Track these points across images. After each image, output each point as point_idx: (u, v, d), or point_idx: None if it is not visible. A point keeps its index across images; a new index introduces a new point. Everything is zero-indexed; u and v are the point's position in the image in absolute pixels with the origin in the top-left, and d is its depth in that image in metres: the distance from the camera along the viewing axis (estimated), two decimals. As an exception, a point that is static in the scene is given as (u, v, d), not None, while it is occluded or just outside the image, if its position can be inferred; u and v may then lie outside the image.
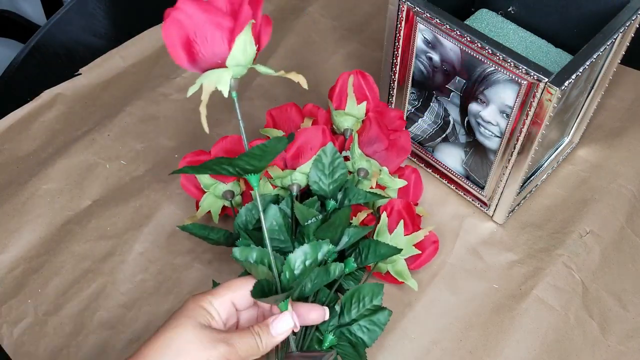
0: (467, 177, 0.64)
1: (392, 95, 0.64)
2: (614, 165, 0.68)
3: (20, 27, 1.20)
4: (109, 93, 0.76)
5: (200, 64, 0.39)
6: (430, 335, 0.57)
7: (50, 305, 0.59)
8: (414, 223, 0.57)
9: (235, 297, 0.43)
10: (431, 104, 0.62)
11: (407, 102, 0.64)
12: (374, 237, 0.56)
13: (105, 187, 0.67)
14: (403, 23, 0.56)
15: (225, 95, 0.39)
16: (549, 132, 0.57)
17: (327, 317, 0.47)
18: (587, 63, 0.50)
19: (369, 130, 0.59)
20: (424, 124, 0.65)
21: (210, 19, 0.37)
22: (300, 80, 0.41)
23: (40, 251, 0.62)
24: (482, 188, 0.63)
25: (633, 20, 0.54)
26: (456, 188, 0.65)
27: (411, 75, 0.61)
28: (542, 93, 0.49)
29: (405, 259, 0.56)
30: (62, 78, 0.76)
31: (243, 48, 0.39)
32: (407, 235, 0.56)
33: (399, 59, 0.60)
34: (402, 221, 0.56)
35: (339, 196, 0.55)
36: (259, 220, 0.53)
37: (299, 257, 0.43)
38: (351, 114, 0.61)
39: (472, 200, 0.64)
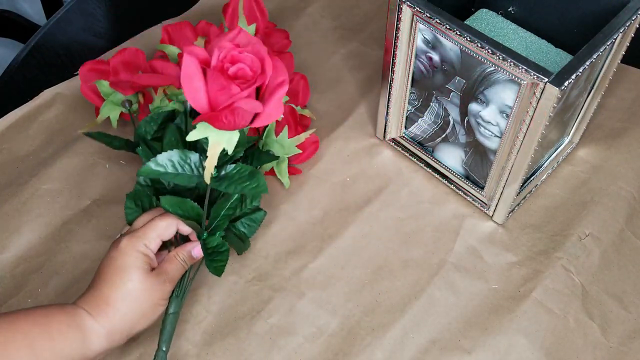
0: (467, 177, 0.64)
1: (392, 95, 0.64)
2: (614, 166, 0.68)
3: (20, 27, 1.20)
4: (109, 93, 0.75)
5: (216, 124, 0.45)
6: (430, 334, 0.57)
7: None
8: (297, 126, 0.65)
9: (163, 237, 0.52)
10: (431, 104, 0.62)
11: (407, 102, 0.64)
12: (263, 138, 0.64)
13: (105, 187, 0.67)
14: (403, 23, 0.56)
15: (229, 152, 0.47)
16: (549, 132, 0.57)
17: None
18: (587, 63, 0.50)
19: None
20: (424, 124, 0.65)
21: (250, 106, 0.44)
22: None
23: (40, 251, 0.62)
24: (482, 188, 0.63)
25: (633, 20, 0.54)
26: (456, 188, 0.65)
27: (411, 75, 0.61)
28: (542, 93, 0.49)
29: (290, 157, 0.66)
30: (62, 78, 0.76)
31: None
32: (290, 137, 0.64)
33: (399, 59, 0.60)
34: (286, 126, 0.64)
35: None
36: (157, 131, 0.61)
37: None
38: None
39: (472, 200, 0.64)
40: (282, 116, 0.46)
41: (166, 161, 0.51)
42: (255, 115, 0.45)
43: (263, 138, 0.64)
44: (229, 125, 0.45)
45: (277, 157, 0.62)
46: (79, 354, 0.48)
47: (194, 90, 0.43)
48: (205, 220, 0.55)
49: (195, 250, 0.55)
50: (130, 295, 0.49)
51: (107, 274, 0.50)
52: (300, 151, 0.65)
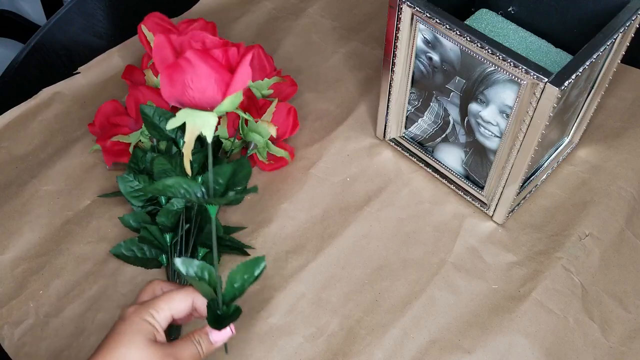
0: (467, 177, 0.64)
1: (392, 95, 0.64)
2: (613, 166, 0.68)
3: (20, 27, 1.20)
4: (107, 92, 0.75)
5: (186, 104, 0.40)
6: (430, 334, 0.57)
7: (51, 307, 0.59)
8: (259, 111, 0.66)
9: (175, 311, 0.45)
10: (431, 104, 0.62)
11: (407, 102, 0.64)
12: (241, 132, 0.65)
13: (104, 188, 0.67)
14: (403, 23, 0.56)
15: (209, 140, 0.40)
16: (549, 132, 0.57)
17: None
18: (587, 63, 0.50)
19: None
20: (424, 124, 0.65)
21: (212, 73, 0.39)
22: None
23: (41, 252, 0.62)
24: (482, 188, 0.63)
25: (633, 20, 0.54)
26: (456, 188, 0.65)
27: (411, 75, 0.61)
28: (542, 93, 0.49)
29: (279, 136, 0.66)
30: (62, 78, 0.76)
31: (233, 100, 0.40)
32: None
33: (399, 59, 0.60)
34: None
35: None
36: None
37: (239, 273, 0.46)
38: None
39: (472, 200, 0.64)
40: (241, 97, 0.41)
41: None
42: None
43: (241, 132, 0.64)
44: (198, 94, 0.40)
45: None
46: None
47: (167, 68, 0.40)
48: (220, 287, 0.47)
49: (214, 335, 0.46)
50: (118, 356, 0.42)
51: (104, 341, 0.44)
52: (276, 126, 0.64)
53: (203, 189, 0.43)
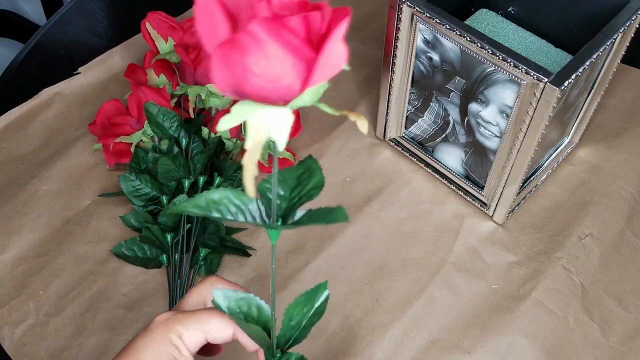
0: (467, 177, 0.64)
1: (392, 95, 0.64)
2: (613, 166, 0.68)
3: (20, 27, 1.20)
4: (107, 92, 0.75)
5: (247, 95, 0.28)
6: (429, 334, 0.57)
7: (51, 307, 0.59)
8: None
9: (209, 336, 0.39)
10: (431, 104, 0.62)
11: (407, 102, 0.64)
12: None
13: (104, 188, 0.67)
14: (403, 23, 0.56)
15: (280, 148, 0.29)
16: (549, 132, 0.57)
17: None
18: (587, 63, 0.50)
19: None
20: (424, 124, 0.65)
21: (289, 54, 0.27)
22: (360, 123, 0.30)
23: (41, 252, 0.62)
24: (482, 188, 0.63)
25: (633, 20, 0.54)
26: (456, 188, 0.65)
27: (411, 75, 0.61)
28: (541, 93, 0.49)
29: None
30: (62, 78, 0.76)
31: (316, 91, 0.29)
32: None
33: (399, 59, 0.60)
34: None
35: None
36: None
37: (297, 306, 0.38)
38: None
39: (472, 200, 0.64)
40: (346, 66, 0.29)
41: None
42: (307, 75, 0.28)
43: (243, 132, 0.65)
44: (268, 82, 0.27)
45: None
46: None
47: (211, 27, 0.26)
48: (275, 330, 0.38)
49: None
50: None
51: (123, 351, 0.39)
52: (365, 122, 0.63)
53: (261, 207, 0.34)
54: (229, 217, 0.31)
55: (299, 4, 0.27)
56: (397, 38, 0.58)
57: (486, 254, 0.62)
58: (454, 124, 0.61)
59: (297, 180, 0.34)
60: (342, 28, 0.28)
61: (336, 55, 0.28)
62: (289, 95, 0.27)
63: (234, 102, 0.27)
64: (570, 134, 0.67)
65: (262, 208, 0.32)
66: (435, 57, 0.57)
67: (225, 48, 0.25)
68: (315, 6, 0.27)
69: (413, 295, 0.59)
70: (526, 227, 0.64)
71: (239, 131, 0.66)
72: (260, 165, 0.67)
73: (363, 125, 0.30)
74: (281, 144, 0.28)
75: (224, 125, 0.27)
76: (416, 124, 0.66)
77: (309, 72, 0.27)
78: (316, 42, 0.28)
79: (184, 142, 0.63)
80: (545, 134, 0.52)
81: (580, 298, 0.59)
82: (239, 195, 0.32)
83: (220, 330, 0.39)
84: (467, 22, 0.66)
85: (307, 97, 0.28)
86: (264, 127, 0.28)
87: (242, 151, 0.67)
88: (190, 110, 0.64)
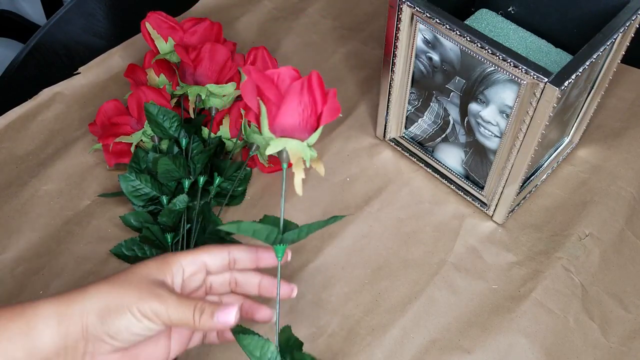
0: (467, 177, 0.64)
1: (392, 95, 0.64)
2: (613, 166, 0.68)
3: (20, 27, 1.20)
4: (107, 92, 0.75)
5: (273, 128, 0.43)
6: (430, 334, 0.57)
7: (50, 306, 0.59)
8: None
9: (209, 260, 0.44)
10: (431, 104, 0.62)
11: (407, 102, 0.64)
12: (244, 133, 0.64)
13: (104, 188, 0.67)
14: (403, 23, 0.56)
15: (307, 162, 0.44)
16: (549, 132, 0.57)
17: (273, 319, 0.46)
18: (587, 63, 0.50)
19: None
20: (424, 124, 0.65)
21: (306, 101, 0.43)
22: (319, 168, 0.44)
23: (41, 252, 0.62)
24: (482, 188, 0.63)
25: (633, 20, 0.54)
26: (456, 188, 0.65)
27: (411, 75, 0.61)
28: (541, 93, 0.49)
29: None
30: (62, 78, 0.76)
31: (319, 132, 0.44)
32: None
33: (398, 59, 0.60)
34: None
35: None
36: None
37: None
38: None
39: (472, 200, 0.64)
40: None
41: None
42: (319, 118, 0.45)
43: (244, 133, 0.65)
44: (282, 125, 0.43)
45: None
46: (22, 350, 0.38)
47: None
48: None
49: (220, 314, 0.41)
50: (111, 278, 0.41)
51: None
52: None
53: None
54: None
55: (292, 77, 0.44)
56: (397, 38, 0.58)
57: (486, 254, 0.62)
58: (454, 124, 0.61)
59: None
60: (334, 92, 0.44)
61: (333, 108, 0.44)
62: (306, 134, 0.44)
63: (233, 104, 0.42)
64: (570, 134, 0.67)
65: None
66: (435, 57, 0.57)
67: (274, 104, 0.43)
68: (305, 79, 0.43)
69: (413, 295, 0.59)
70: (526, 227, 0.64)
71: (239, 131, 0.66)
72: (261, 166, 0.67)
73: (320, 169, 0.45)
74: (307, 164, 0.43)
75: (271, 150, 0.43)
76: (416, 124, 0.66)
77: (318, 120, 0.44)
78: (321, 102, 0.44)
79: (184, 142, 0.63)
80: (545, 134, 0.52)
81: (580, 298, 0.59)
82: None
83: (214, 254, 0.43)
84: (467, 22, 0.67)
85: (315, 136, 0.44)
86: (297, 152, 0.44)
87: (244, 150, 0.67)
88: (190, 110, 0.64)
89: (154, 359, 0.43)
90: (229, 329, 0.44)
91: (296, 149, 0.43)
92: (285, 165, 0.44)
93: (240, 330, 0.43)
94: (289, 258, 0.45)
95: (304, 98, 0.43)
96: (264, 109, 0.43)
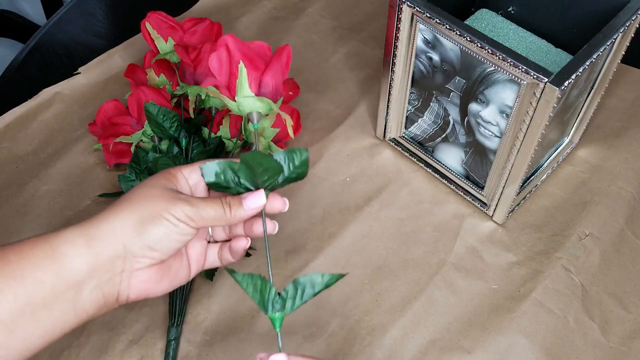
0: (467, 177, 0.64)
1: (392, 95, 0.64)
2: (613, 166, 0.68)
3: (20, 27, 1.20)
4: (107, 92, 0.75)
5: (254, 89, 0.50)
6: (430, 334, 0.57)
7: (50, 306, 0.59)
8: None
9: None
10: (431, 104, 0.62)
11: (407, 102, 0.64)
12: (243, 131, 0.64)
13: (104, 188, 0.67)
14: (403, 23, 0.56)
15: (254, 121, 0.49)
16: (549, 132, 0.57)
17: (287, 207, 0.47)
18: (587, 63, 0.50)
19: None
20: (424, 124, 0.65)
21: (278, 70, 0.52)
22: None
23: (41, 251, 0.62)
24: (482, 188, 0.63)
25: (633, 20, 0.54)
26: (456, 188, 0.65)
27: (411, 75, 0.61)
28: (541, 93, 0.49)
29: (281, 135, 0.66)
30: (62, 78, 0.76)
31: (280, 102, 0.53)
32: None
33: (398, 59, 0.60)
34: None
35: None
36: None
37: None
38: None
39: (472, 200, 0.64)
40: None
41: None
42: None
43: (243, 132, 0.65)
44: (272, 82, 0.50)
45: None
46: (51, 273, 0.38)
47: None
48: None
49: (248, 200, 0.44)
50: (130, 196, 0.41)
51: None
52: (278, 129, 0.65)
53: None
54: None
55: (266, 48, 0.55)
56: (397, 38, 0.58)
57: (486, 254, 0.62)
58: (454, 124, 0.61)
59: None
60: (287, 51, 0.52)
61: (293, 83, 0.54)
62: (274, 99, 0.52)
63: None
64: (570, 134, 0.67)
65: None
66: (435, 57, 0.57)
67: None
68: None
69: (413, 295, 0.59)
70: (526, 227, 0.64)
71: (239, 131, 0.66)
72: None
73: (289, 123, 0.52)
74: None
75: (254, 107, 0.51)
76: (416, 124, 0.66)
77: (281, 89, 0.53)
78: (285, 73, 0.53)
79: (184, 142, 0.63)
80: (545, 134, 0.53)
81: (580, 298, 0.59)
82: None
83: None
84: (467, 22, 0.67)
85: (279, 102, 0.51)
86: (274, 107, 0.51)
87: (243, 149, 0.67)
88: (190, 110, 0.64)
89: (180, 277, 0.45)
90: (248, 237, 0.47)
91: (274, 106, 0.49)
92: (257, 126, 0.49)
93: (234, 271, 0.44)
94: (276, 229, 0.47)
95: (279, 66, 0.48)
96: (244, 71, 0.45)
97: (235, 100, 0.50)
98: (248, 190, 0.45)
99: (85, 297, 0.40)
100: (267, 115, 0.51)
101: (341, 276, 0.43)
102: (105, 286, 0.40)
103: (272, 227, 0.47)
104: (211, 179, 0.45)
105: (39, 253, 0.38)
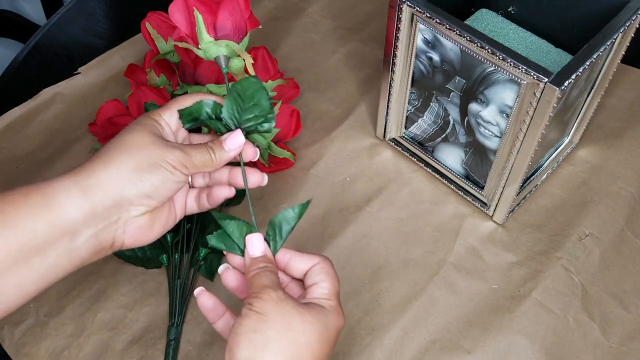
0: (467, 177, 0.64)
1: (392, 95, 0.64)
2: (613, 166, 0.68)
3: (20, 27, 1.20)
4: (107, 92, 0.75)
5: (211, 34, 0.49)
6: (429, 334, 0.57)
7: (51, 307, 0.59)
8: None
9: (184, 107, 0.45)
10: (431, 104, 0.62)
11: (407, 102, 0.64)
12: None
13: (105, 188, 0.67)
14: (403, 23, 0.56)
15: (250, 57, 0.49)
16: (549, 132, 0.57)
17: (265, 181, 0.48)
18: (587, 63, 0.50)
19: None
20: (424, 124, 0.65)
21: (235, 8, 0.49)
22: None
23: (41, 252, 0.62)
24: (482, 188, 0.63)
25: (633, 20, 0.54)
26: (456, 188, 0.65)
27: (411, 75, 0.61)
28: (542, 93, 0.49)
29: (281, 136, 0.66)
30: (62, 78, 0.76)
31: (247, 39, 0.50)
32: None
33: (398, 59, 0.60)
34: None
35: None
36: None
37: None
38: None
39: (472, 200, 0.64)
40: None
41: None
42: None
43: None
44: (229, 23, 0.49)
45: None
46: (44, 222, 0.38)
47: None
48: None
49: (228, 141, 0.45)
50: (121, 144, 0.41)
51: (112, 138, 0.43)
52: (279, 129, 0.65)
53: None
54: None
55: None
56: (397, 38, 0.58)
57: (486, 254, 0.62)
58: (454, 124, 0.61)
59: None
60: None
61: (252, 18, 0.50)
62: (237, 40, 0.50)
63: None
64: (570, 134, 0.67)
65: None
66: (435, 57, 0.57)
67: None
68: None
69: (413, 295, 0.59)
70: (526, 227, 0.64)
71: None
72: (261, 166, 0.67)
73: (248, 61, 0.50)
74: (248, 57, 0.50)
75: (215, 51, 0.49)
76: (416, 124, 0.66)
77: (245, 28, 0.50)
78: (245, 11, 0.50)
79: None
80: (545, 134, 0.53)
81: (580, 298, 0.59)
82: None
83: (185, 101, 0.45)
84: (467, 22, 0.66)
85: (245, 41, 0.49)
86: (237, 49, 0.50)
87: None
88: None
89: (169, 222, 0.46)
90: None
91: (237, 47, 0.48)
92: (225, 69, 0.49)
93: (221, 216, 0.44)
94: (265, 181, 0.48)
95: (233, 4, 0.48)
96: (200, 17, 0.47)
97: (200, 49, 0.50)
98: (228, 130, 0.46)
99: (80, 244, 0.40)
100: (238, 56, 0.50)
101: (308, 202, 0.44)
102: (101, 234, 0.41)
103: (260, 178, 0.48)
104: (189, 122, 0.46)
105: (32, 202, 0.38)
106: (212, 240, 0.44)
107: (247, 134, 0.47)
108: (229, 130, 0.46)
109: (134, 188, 0.41)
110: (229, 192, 0.48)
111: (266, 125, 0.46)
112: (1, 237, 0.37)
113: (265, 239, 0.44)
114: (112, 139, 0.43)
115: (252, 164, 0.67)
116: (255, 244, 0.43)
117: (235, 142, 0.45)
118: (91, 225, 0.40)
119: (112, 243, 0.42)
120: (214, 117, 0.46)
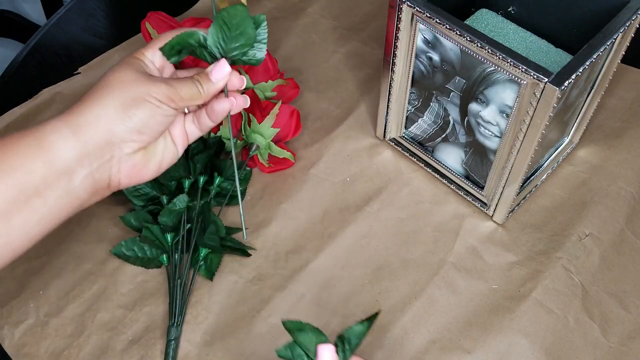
0: (467, 177, 0.64)
1: (392, 95, 0.64)
2: (614, 166, 0.68)
3: (20, 27, 1.20)
4: (109, 93, 0.75)
5: None
6: (429, 334, 0.57)
7: (51, 307, 0.59)
8: (263, 112, 0.65)
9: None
10: (431, 104, 0.62)
11: (407, 102, 0.64)
12: (243, 132, 0.66)
13: (105, 188, 0.67)
14: (403, 23, 0.56)
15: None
16: (549, 132, 0.57)
17: (244, 84, 0.49)
18: (587, 63, 0.50)
19: None
20: (424, 124, 0.65)
21: None
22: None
23: (41, 251, 0.62)
24: (482, 188, 0.63)
25: (633, 20, 0.54)
26: (456, 188, 0.65)
27: (411, 75, 0.61)
28: (542, 93, 0.49)
29: (281, 137, 0.66)
30: (62, 78, 0.76)
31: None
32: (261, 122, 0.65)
33: (398, 59, 0.60)
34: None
35: None
36: None
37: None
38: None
39: (472, 200, 0.64)
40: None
41: None
42: None
43: (243, 132, 0.65)
44: None
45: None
46: (40, 163, 0.39)
47: None
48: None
49: (214, 72, 0.45)
50: (105, 83, 0.42)
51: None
52: (279, 129, 0.65)
53: None
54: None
55: None
56: (397, 38, 0.58)
57: (486, 254, 0.62)
58: (454, 124, 0.61)
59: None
60: None
61: None
62: None
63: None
64: (570, 134, 0.67)
65: None
66: (435, 57, 0.57)
67: None
68: None
69: (413, 295, 0.59)
70: (526, 227, 0.64)
71: (239, 131, 0.66)
72: (261, 166, 0.67)
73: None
74: None
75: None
76: (416, 124, 0.66)
77: None
78: None
79: None
80: (545, 134, 0.53)
81: (580, 298, 0.59)
82: None
83: (166, 35, 0.45)
84: (467, 22, 0.66)
85: None
86: None
87: (244, 150, 0.67)
88: None
89: (168, 158, 0.47)
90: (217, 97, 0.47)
91: None
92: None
93: (295, 326, 0.43)
94: (247, 103, 0.49)
95: None
96: None
97: None
98: (213, 59, 0.46)
99: (77, 185, 0.41)
100: None
101: (376, 315, 0.43)
102: (96, 173, 0.42)
103: (243, 101, 0.49)
104: (174, 56, 0.46)
105: (27, 145, 0.39)
106: (282, 351, 0.43)
107: (233, 63, 0.46)
108: (215, 59, 0.46)
109: (123, 124, 0.42)
110: (230, 104, 0.47)
111: (258, 55, 0.46)
112: (0, 181, 0.38)
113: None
114: (98, 80, 0.43)
115: (251, 163, 0.67)
116: (326, 356, 0.41)
117: (221, 72, 0.45)
118: (85, 165, 0.41)
119: (108, 183, 0.43)
120: (197, 45, 0.46)
